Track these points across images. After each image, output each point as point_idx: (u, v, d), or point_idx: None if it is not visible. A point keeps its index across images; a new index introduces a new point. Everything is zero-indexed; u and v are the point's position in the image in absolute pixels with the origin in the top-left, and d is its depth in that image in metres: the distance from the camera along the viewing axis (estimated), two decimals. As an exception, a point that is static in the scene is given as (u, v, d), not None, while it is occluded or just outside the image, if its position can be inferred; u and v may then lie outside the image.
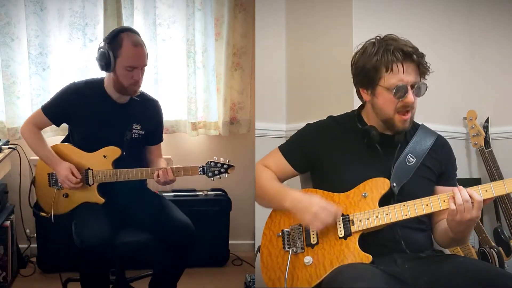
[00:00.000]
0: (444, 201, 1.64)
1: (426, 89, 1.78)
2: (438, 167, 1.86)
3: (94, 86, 2.34)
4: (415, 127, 1.89)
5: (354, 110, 1.95)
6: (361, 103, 1.95)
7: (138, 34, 2.30)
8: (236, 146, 3.32)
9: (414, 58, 1.74)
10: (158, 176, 2.26)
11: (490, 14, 2.92)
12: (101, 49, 2.25)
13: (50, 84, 3.03)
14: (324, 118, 2.00)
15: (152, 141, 2.50)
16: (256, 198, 1.97)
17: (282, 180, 1.98)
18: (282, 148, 1.98)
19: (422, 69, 1.77)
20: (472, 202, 1.58)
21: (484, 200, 1.59)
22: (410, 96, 1.74)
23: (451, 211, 1.60)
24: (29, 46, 2.95)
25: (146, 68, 2.31)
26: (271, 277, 1.81)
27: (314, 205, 1.73)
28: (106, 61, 2.24)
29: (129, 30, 2.29)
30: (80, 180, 2.31)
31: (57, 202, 2.37)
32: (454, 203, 1.59)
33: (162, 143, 2.56)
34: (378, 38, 1.80)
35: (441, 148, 1.89)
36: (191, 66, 3.13)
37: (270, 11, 2.97)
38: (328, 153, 1.87)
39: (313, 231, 1.77)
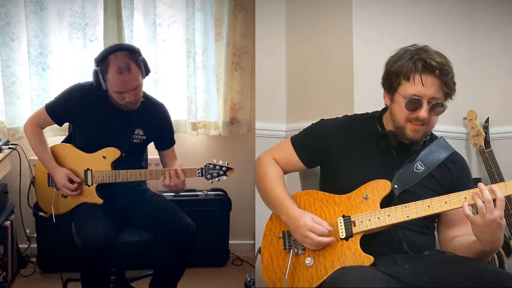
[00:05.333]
0: (445, 202, 1.63)
1: (443, 110, 1.71)
2: (449, 182, 1.81)
3: (98, 88, 2.31)
4: (432, 138, 1.86)
5: (376, 111, 1.91)
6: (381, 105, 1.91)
7: (130, 50, 2.21)
8: (236, 146, 3.32)
9: (436, 73, 1.66)
10: (164, 178, 2.23)
11: (490, 14, 2.91)
12: (93, 68, 2.23)
13: (50, 84, 3.03)
14: (324, 117, 1.99)
15: (162, 145, 2.49)
16: (259, 192, 1.97)
17: (289, 172, 1.98)
18: (294, 143, 1.95)
19: (443, 86, 1.68)
20: (494, 200, 1.54)
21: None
22: (423, 111, 1.69)
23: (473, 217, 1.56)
24: (29, 46, 2.95)
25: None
26: (271, 278, 1.81)
27: (303, 228, 1.73)
28: (97, 81, 2.23)
29: (118, 50, 2.18)
30: (79, 185, 2.32)
31: (56, 202, 2.37)
32: (478, 202, 1.55)
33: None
34: (415, 45, 1.75)
35: (454, 164, 1.84)
36: (191, 66, 3.13)
37: (270, 11, 2.97)
38: (339, 152, 1.85)
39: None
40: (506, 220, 2.67)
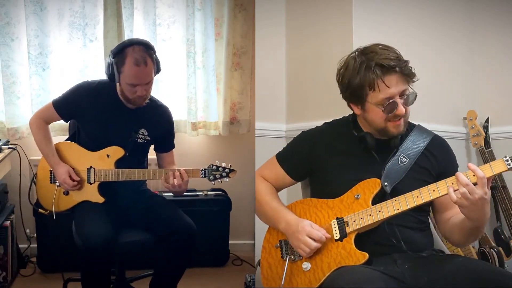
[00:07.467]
0: (433, 190, 1.64)
1: (415, 97, 1.75)
2: (436, 167, 1.84)
3: (106, 87, 2.33)
4: (410, 128, 1.89)
5: (348, 115, 1.94)
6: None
7: (146, 45, 2.24)
8: (236, 146, 3.32)
9: (396, 70, 1.70)
10: (169, 178, 2.24)
11: (490, 14, 2.92)
12: (107, 60, 2.25)
13: (50, 84, 3.03)
14: (324, 118, 2.00)
15: (162, 148, 2.50)
16: (256, 213, 1.99)
17: (280, 189, 2.00)
18: (278, 158, 1.99)
19: (406, 77, 1.73)
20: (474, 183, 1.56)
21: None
22: (401, 108, 1.73)
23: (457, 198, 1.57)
24: (29, 46, 2.95)
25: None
26: (271, 287, 1.84)
27: (301, 233, 1.75)
28: (111, 73, 2.25)
29: (136, 44, 2.22)
30: (78, 182, 2.33)
31: (57, 199, 2.38)
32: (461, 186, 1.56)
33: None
34: (359, 50, 1.78)
35: (438, 148, 1.87)
36: (191, 66, 3.13)
37: (270, 11, 2.97)
38: (324, 158, 1.88)
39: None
40: (506, 220, 2.68)
